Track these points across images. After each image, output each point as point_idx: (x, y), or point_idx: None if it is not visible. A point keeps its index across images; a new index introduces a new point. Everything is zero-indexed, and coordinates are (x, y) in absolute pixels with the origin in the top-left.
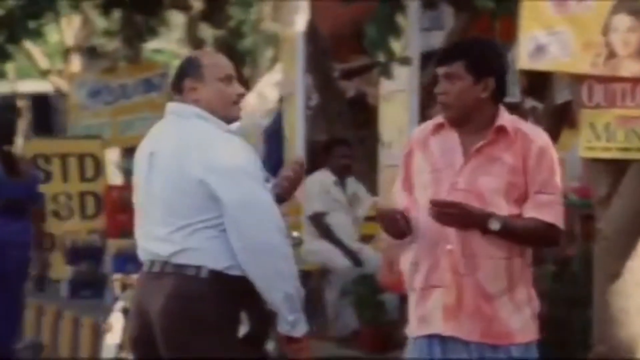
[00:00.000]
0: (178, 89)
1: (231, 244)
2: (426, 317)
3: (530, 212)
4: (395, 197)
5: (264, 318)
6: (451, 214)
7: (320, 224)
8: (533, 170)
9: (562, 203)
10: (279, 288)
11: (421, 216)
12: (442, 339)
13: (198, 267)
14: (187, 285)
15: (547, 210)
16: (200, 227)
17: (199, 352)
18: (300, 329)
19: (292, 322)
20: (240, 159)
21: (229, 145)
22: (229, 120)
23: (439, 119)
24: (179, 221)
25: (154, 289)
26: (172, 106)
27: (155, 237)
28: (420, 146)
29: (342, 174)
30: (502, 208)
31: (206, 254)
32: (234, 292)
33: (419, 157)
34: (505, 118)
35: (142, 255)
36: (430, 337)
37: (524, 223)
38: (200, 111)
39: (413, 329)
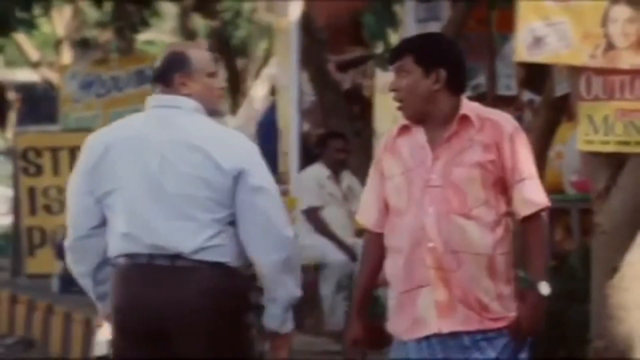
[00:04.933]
0: (165, 82)
1: (244, 234)
2: (419, 319)
3: (518, 205)
4: (362, 213)
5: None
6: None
7: (315, 219)
8: (509, 159)
9: (537, 177)
10: (286, 282)
11: (399, 219)
12: (441, 338)
13: (220, 264)
14: (210, 281)
15: (532, 197)
16: (225, 222)
17: (216, 347)
18: (288, 326)
19: (284, 319)
20: (257, 150)
21: (246, 137)
22: (212, 113)
23: (403, 122)
24: (205, 215)
25: (168, 284)
26: (167, 99)
27: (171, 231)
28: (389, 151)
29: (336, 168)
30: (480, 196)
31: (230, 251)
32: (246, 289)
33: (389, 162)
34: (468, 107)
35: (139, 246)
36: (427, 338)
37: (541, 251)
38: (197, 105)
39: (404, 332)
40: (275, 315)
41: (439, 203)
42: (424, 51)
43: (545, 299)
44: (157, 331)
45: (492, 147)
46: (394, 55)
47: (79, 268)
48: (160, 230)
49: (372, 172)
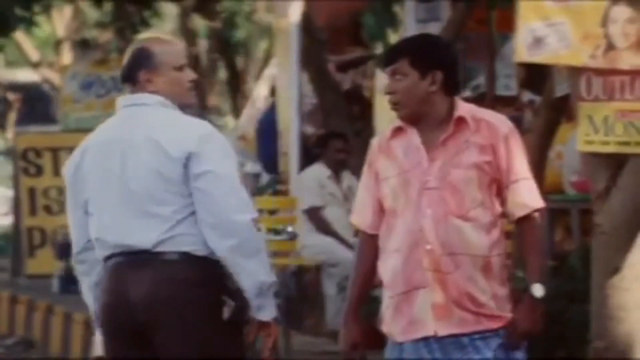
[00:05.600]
0: (131, 80)
1: (198, 221)
2: (416, 320)
3: (513, 206)
4: (357, 215)
5: (244, 302)
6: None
7: (317, 218)
8: (505, 161)
9: (532, 178)
10: (247, 268)
11: (396, 221)
12: (438, 339)
13: (183, 253)
14: (174, 271)
15: (526, 198)
16: (186, 212)
17: (188, 335)
18: (267, 314)
19: (258, 306)
20: (214, 134)
21: (207, 123)
22: (184, 107)
23: (396, 123)
24: (163, 209)
25: (135, 279)
26: (134, 97)
27: (131, 229)
28: (383, 153)
29: (337, 168)
30: (477, 198)
31: (195, 240)
32: (217, 275)
33: (384, 163)
34: (463, 109)
35: (106, 248)
36: (424, 339)
37: (536, 252)
38: (163, 99)
39: (400, 333)
40: (251, 303)
41: (437, 205)
42: (420, 54)
43: (539, 301)
44: (137, 327)
45: (488, 148)
46: (389, 58)
47: (86, 280)
48: (123, 230)
49: (366, 174)
